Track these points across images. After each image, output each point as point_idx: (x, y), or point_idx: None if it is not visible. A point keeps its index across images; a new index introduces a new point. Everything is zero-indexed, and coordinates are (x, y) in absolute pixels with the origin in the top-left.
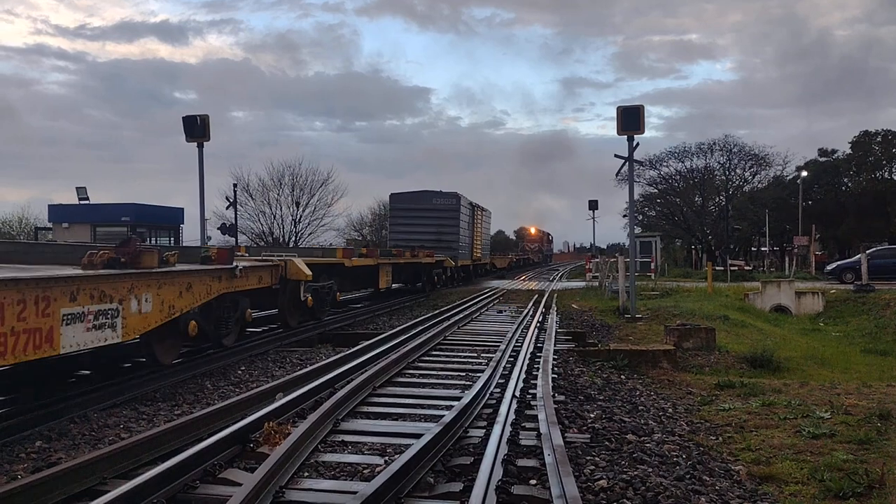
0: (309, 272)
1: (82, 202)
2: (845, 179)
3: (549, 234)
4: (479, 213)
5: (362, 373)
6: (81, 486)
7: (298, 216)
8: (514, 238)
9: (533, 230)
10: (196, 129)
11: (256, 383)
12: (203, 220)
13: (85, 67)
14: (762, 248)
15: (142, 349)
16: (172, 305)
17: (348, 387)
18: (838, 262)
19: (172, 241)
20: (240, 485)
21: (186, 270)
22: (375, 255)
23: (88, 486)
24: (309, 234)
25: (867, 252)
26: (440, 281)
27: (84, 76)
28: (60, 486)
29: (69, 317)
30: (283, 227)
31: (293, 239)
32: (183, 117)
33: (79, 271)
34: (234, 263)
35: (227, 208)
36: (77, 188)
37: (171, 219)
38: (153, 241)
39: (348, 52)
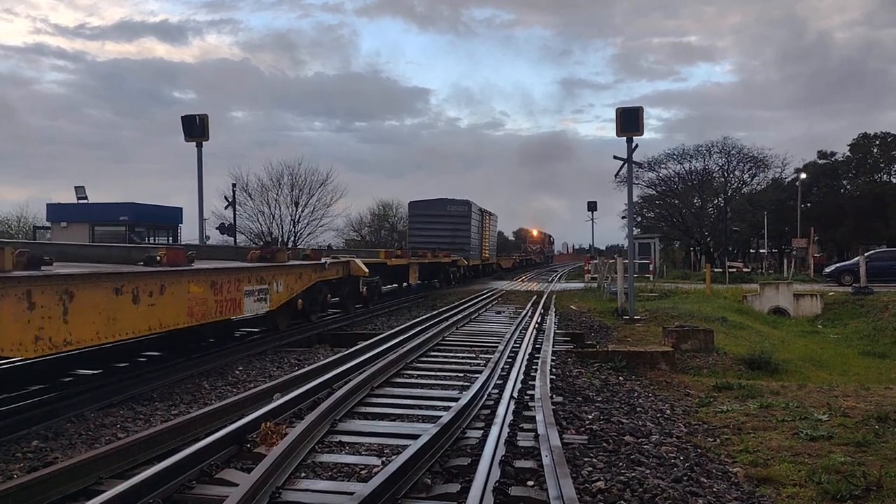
0: (366, 269)
1: (81, 201)
2: (844, 182)
3: (550, 236)
4: (487, 217)
5: (360, 373)
6: (78, 485)
7: (297, 216)
8: (514, 239)
9: (535, 232)
10: (195, 128)
11: (254, 383)
12: (202, 219)
13: (84, 67)
14: (761, 250)
15: (267, 319)
16: (292, 288)
17: (346, 387)
18: (837, 265)
19: (171, 241)
20: (236, 485)
21: (299, 265)
22: (408, 257)
23: (85, 486)
24: (308, 235)
25: (866, 254)
26: (455, 278)
27: (83, 76)
28: (57, 485)
29: (247, 292)
30: (282, 227)
31: (292, 239)
32: (182, 117)
33: (250, 264)
34: (323, 260)
35: (226, 208)
36: (76, 187)
37: (169, 218)
38: (152, 241)
39: (348, 52)
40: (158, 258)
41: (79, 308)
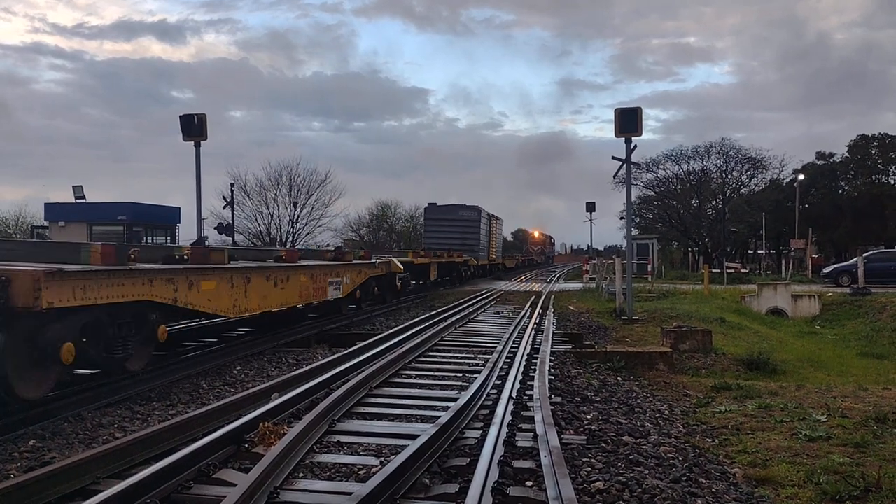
0: (402, 267)
1: (79, 201)
2: (842, 183)
3: (551, 237)
4: (494, 221)
5: (359, 373)
6: (74, 485)
7: (296, 216)
8: (512, 240)
9: (536, 233)
10: (193, 128)
11: (252, 383)
12: (200, 219)
13: (82, 66)
14: (759, 251)
15: (334, 304)
16: (354, 281)
17: (344, 387)
18: (835, 266)
19: (169, 241)
20: (234, 485)
21: (359, 263)
22: (430, 257)
23: (82, 486)
24: (307, 235)
25: (864, 255)
26: (466, 276)
27: (81, 75)
28: (54, 485)
29: (329, 283)
30: (281, 227)
31: (290, 239)
32: (180, 116)
33: (331, 262)
34: (373, 259)
35: (224, 208)
36: (74, 187)
37: (167, 218)
38: (150, 241)
39: (346, 52)
40: (283, 256)
41: (252, 288)
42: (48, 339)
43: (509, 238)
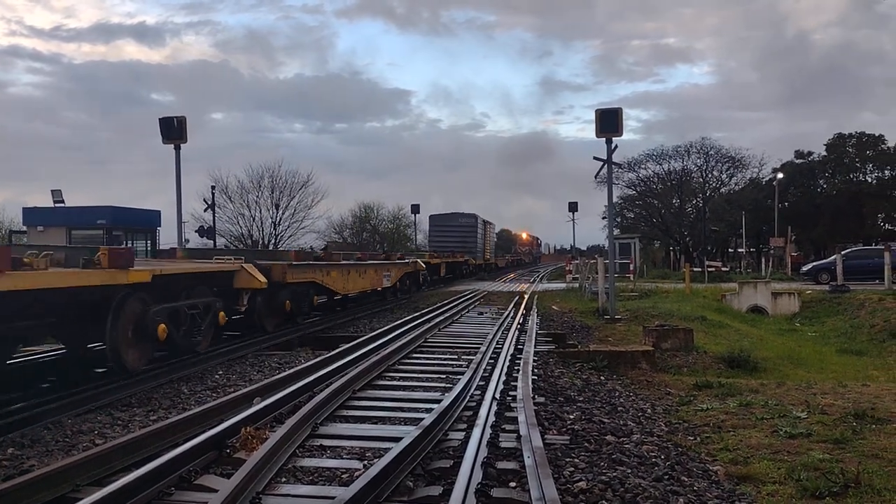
0: (424, 266)
1: (58, 205)
2: (821, 181)
3: (538, 239)
4: (488, 226)
5: (342, 376)
6: (54, 493)
7: (278, 219)
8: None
9: (525, 235)
10: (173, 130)
11: (234, 387)
12: (180, 222)
13: (60, 69)
14: (739, 250)
15: (381, 291)
16: (396, 276)
17: (327, 390)
18: (814, 263)
19: (149, 245)
20: (216, 491)
21: (401, 262)
22: (440, 258)
23: (61, 494)
24: (289, 237)
25: (842, 253)
26: (466, 273)
27: (59, 78)
28: (33, 493)
29: (384, 275)
30: (263, 230)
31: (272, 242)
32: (160, 119)
33: (382, 260)
34: (407, 259)
35: (206, 210)
36: (52, 191)
37: (147, 222)
38: (130, 244)
39: (327, 54)
40: (360, 257)
41: (350, 277)
42: (283, 297)
43: (496, 239)
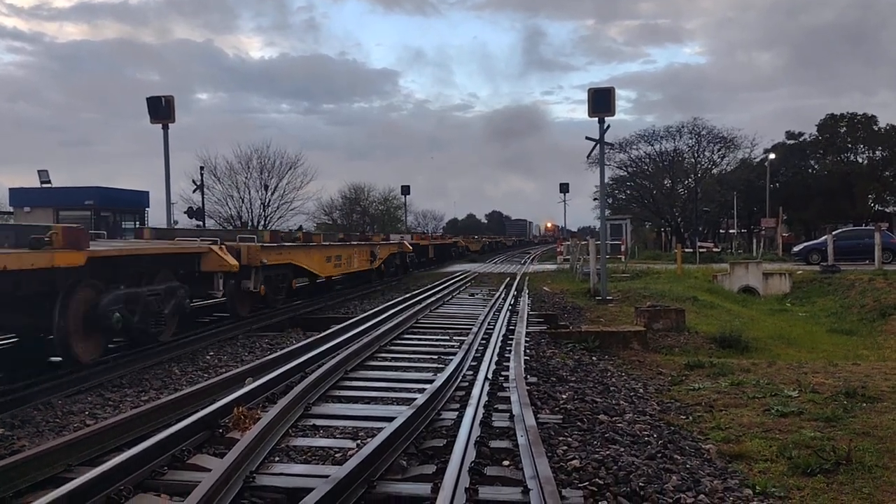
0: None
1: (44, 185)
2: (812, 162)
3: (559, 226)
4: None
5: (334, 357)
6: (46, 473)
7: (267, 200)
8: (486, 222)
9: (549, 224)
10: (161, 110)
11: (225, 368)
12: (169, 203)
13: (42, 49)
14: (730, 230)
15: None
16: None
17: (319, 371)
18: (805, 244)
19: (138, 225)
20: (209, 470)
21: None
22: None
23: (53, 474)
24: (279, 218)
25: (833, 233)
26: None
27: (42, 58)
28: (24, 473)
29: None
30: (252, 211)
31: (262, 223)
32: (147, 98)
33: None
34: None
35: (194, 191)
36: (39, 171)
37: (135, 202)
38: (119, 225)
39: (315, 34)
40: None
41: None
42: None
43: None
